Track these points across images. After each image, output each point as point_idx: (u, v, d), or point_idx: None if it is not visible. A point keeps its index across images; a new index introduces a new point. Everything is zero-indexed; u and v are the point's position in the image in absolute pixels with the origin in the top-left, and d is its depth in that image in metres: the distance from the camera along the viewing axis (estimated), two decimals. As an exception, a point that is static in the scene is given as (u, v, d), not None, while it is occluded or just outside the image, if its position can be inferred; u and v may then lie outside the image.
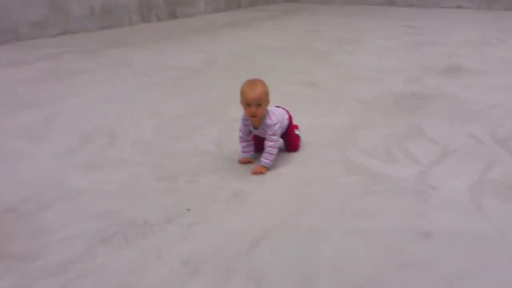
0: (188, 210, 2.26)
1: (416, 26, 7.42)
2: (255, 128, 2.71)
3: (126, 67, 5.14)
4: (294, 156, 2.83)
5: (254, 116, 2.58)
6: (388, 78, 4.49)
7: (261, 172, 2.62)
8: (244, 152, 2.79)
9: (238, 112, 3.43)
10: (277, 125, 2.64)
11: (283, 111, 2.83)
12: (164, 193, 2.44)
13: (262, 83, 2.61)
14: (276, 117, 2.66)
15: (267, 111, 2.66)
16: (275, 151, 2.65)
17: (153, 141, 3.14)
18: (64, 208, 2.31)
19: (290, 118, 2.85)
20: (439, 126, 3.23)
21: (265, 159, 2.64)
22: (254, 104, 2.55)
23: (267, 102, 2.63)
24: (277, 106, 2.84)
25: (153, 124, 3.45)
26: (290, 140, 2.84)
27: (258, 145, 2.82)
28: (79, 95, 4.17)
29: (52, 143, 3.13)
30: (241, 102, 2.62)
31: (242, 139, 2.77)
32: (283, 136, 2.79)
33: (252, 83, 2.59)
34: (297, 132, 2.93)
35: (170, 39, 6.76)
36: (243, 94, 2.58)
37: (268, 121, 2.64)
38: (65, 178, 2.62)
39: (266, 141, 2.66)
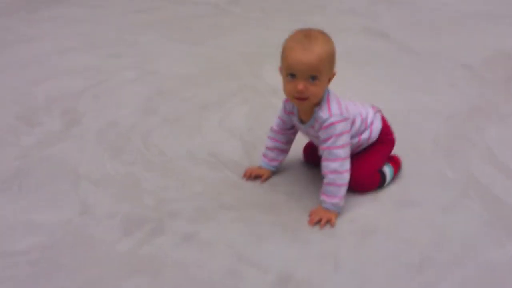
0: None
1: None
2: (302, 121, 1.48)
3: (125, 1, 3.83)
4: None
5: (302, 98, 1.37)
6: (491, 30, 3.14)
7: (328, 222, 1.42)
8: (267, 159, 1.61)
9: (279, 79, 2.23)
10: (341, 125, 1.40)
11: (367, 108, 1.57)
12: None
13: (324, 38, 1.38)
14: (341, 109, 1.42)
15: (327, 95, 1.43)
16: (342, 178, 1.41)
17: (127, 131, 1.94)
18: None
19: (384, 124, 1.58)
20: None
21: (328, 196, 1.43)
22: (305, 76, 1.34)
23: (330, 74, 1.40)
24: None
25: (141, 93, 2.23)
26: (364, 170, 1.51)
27: (313, 155, 1.61)
28: (41, 38, 2.92)
29: None
30: (281, 70, 1.41)
31: (274, 136, 1.60)
32: (352, 156, 1.48)
33: (305, 36, 1.36)
34: (387, 168, 1.58)
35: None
36: (287, 54, 1.36)
37: (323, 114, 1.41)
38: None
39: (324, 160, 1.43)
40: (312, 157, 1.63)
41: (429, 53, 2.74)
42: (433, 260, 1.28)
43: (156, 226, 1.41)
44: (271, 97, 2.18)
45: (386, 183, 1.55)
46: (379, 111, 1.58)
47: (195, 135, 1.88)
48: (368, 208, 1.47)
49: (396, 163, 1.59)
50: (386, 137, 1.56)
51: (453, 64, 2.58)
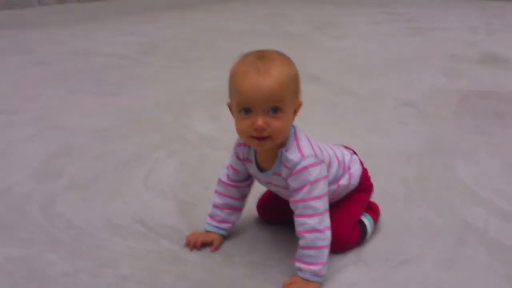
0: None
1: (398, 13, 6.08)
2: (261, 169, 1.14)
3: (23, 53, 3.38)
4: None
5: (262, 138, 1.03)
6: (418, 71, 3.06)
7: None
8: (215, 220, 1.24)
9: (211, 126, 1.90)
10: (316, 169, 1.07)
11: (341, 149, 1.26)
12: None
13: (283, 59, 1.07)
14: (314, 149, 1.10)
15: (294, 131, 1.11)
16: (324, 239, 1.07)
17: (21, 201, 1.49)
18: None
19: (363, 172, 1.27)
20: None
21: (306, 263, 1.07)
22: (264, 108, 1.02)
23: (295, 104, 1.08)
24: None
25: (43, 151, 1.79)
26: (344, 225, 1.17)
27: (273, 211, 1.27)
28: None
29: None
30: (230, 106, 1.09)
31: (223, 191, 1.23)
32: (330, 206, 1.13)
33: (259, 57, 1.05)
34: (365, 219, 1.25)
35: (91, 21, 5.02)
36: (237, 83, 1.04)
37: (292, 156, 1.08)
38: None
39: (298, 216, 1.08)
40: (272, 213, 1.28)
41: (368, 93, 2.55)
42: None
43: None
44: (203, 147, 1.82)
45: (367, 237, 1.23)
46: (354, 153, 1.28)
47: (114, 200, 1.47)
48: (354, 273, 1.12)
49: (374, 212, 1.28)
50: (364, 183, 1.25)
51: (396, 102, 2.39)
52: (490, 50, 3.64)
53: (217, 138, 1.89)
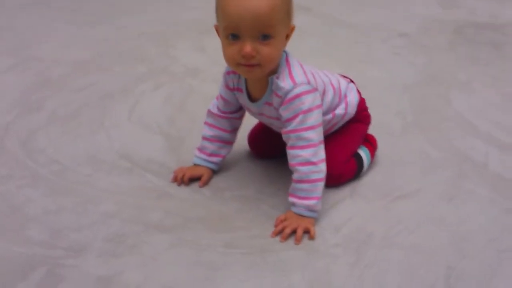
0: None
1: None
2: (252, 99, 1.07)
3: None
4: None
5: (250, 65, 0.95)
6: (412, 1, 2.92)
7: (305, 233, 1.01)
8: (205, 153, 1.17)
9: (197, 58, 1.82)
10: (309, 97, 1.00)
11: (337, 77, 1.17)
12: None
13: None
14: (307, 76, 1.02)
15: (286, 58, 1.03)
16: (318, 172, 1.01)
17: (12, 132, 1.42)
18: None
19: (361, 101, 1.19)
20: None
21: (300, 197, 1.02)
22: (253, 34, 0.94)
23: (287, 29, 1.00)
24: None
25: (21, 84, 1.69)
26: (338, 157, 1.11)
27: (264, 143, 1.21)
28: None
29: None
30: (218, 29, 1.00)
31: (213, 123, 1.17)
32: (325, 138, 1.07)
33: None
34: (362, 152, 1.19)
35: None
36: (224, 4, 0.95)
37: (284, 84, 1.00)
38: None
39: (291, 148, 1.02)
40: (264, 146, 1.22)
41: (360, 24, 2.44)
42: (463, 272, 0.92)
43: (51, 271, 0.93)
44: (190, 79, 1.73)
45: (363, 170, 1.18)
46: (351, 81, 1.20)
47: (97, 134, 1.40)
48: (352, 207, 1.08)
49: (372, 145, 1.22)
50: (361, 113, 1.19)
51: (388, 33, 2.29)
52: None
53: (204, 70, 1.80)
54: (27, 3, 2.62)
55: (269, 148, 1.22)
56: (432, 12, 2.67)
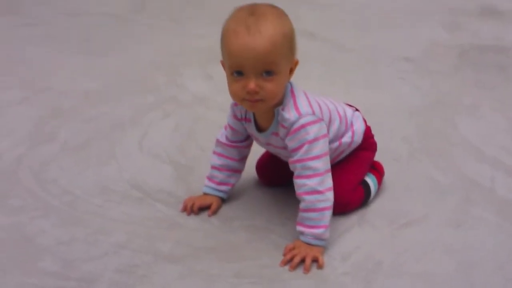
0: None
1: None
2: (260, 129, 1.09)
3: (9, 14, 3.25)
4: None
5: (254, 100, 0.98)
6: (416, 25, 2.96)
7: (314, 262, 1.02)
8: (214, 182, 1.19)
9: (205, 86, 1.84)
10: (314, 127, 1.02)
11: (342, 105, 1.19)
12: None
13: (276, 14, 1.00)
14: (312, 107, 1.05)
15: (291, 89, 1.06)
16: (325, 200, 1.02)
17: (12, 166, 1.45)
18: None
19: (367, 129, 1.21)
20: None
21: (307, 226, 1.03)
22: (256, 71, 0.96)
23: (291, 63, 1.02)
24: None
25: (33, 115, 1.72)
26: (346, 185, 1.13)
27: (272, 172, 1.22)
28: None
29: None
30: (223, 63, 1.03)
31: (222, 152, 1.19)
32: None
33: (250, 13, 0.98)
34: (369, 179, 1.21)
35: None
36: (227, 42, 0.98)
37: (289, 115, 1.03)
38: None
39: (297, 177, 1.04)
40: (272, 175, 1.24)
41: (364, 49, 2.47)
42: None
43: (63, 302, 0.95)
44: (198, 107, 1.76)
45: (371, 198, 1.19)
46: (357, 110, 1.23)
47: (108, 164, 1.42)
48: (360, 235, 1.09)
49: (378, 172, 1.24)
50: (367, 141, 1.20)
51: (393, 58, 2.32)
52: (489, 3, 3.54)
53: (212, 98, 1.83)
54: (38, 35, 2.69)
55: (277, 176, 1.23)
56: (437, 35, 2.70)
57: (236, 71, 0.98)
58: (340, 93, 1.88)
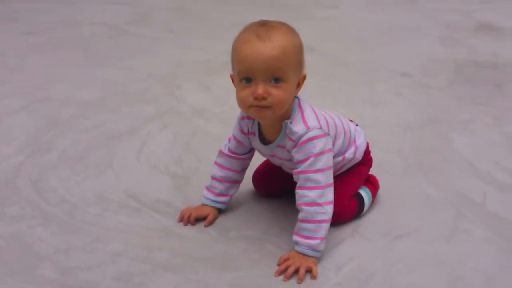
0: None
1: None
2: (265, 142, 1.12)
3: (9, 22, 3.28)
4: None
5: (261, 106, 1.00)
6: (413, 40, 3.00)
7: (308, 272, 1.03)
8: (213, 193, 1.21)
9: (203, 98, 1.87)
10: (321, 141, 1.04)
11: (346, 120, 1.22)
12: None
13: (287, 28, 1.03)
14: (320, 121, 1.07)
15: (299, 103, 1.08)
16: (324, 213, 1.04)
17: (11, 175, 1.46)
18: None
19: (367, 147, 1.25)
20: None
21: (303, 236, 1.05)
22: (265, 77, 0.99)
23: (299, 76, 1.05)
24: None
25: (32, 124, 1.74)
26: (341, 197, 1.14)
27: (269, 183, 1.25)
28: None
29: None
30: (233, 77, 1.05)
31: (224, 163, 1.20)
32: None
33: (262, 25, 1.02)
34: (363, 192, 1.24)
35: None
36: (238, 50, 1.01)
37: (297, 128, 1.05)
38: None
39: (299, 188, 1.06)
40: (268, 185, 1.26)
41: (362, 64, 2.51)
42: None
43: (60, 309, 0.96)
44: (196, 119, 1.79)
45: (364, 210, 1.21)
46: (357, 125, 1.25)
47: (106, 174, 1.44)
48: (353, 247, 1.11)
49: (373, 186, 1.26)
50: (365, 157, 1.23)
51: (390, 73, 2.35)
52: (486, 19, 3.59)
53: (210, 110, 1.86)
54: (38, 44, 2.72)
55: (273, 188, 1.26)
56: (434, 51, 2.74)
57: (245, 78, 1.00)
58: (337, 106, 1.90)
